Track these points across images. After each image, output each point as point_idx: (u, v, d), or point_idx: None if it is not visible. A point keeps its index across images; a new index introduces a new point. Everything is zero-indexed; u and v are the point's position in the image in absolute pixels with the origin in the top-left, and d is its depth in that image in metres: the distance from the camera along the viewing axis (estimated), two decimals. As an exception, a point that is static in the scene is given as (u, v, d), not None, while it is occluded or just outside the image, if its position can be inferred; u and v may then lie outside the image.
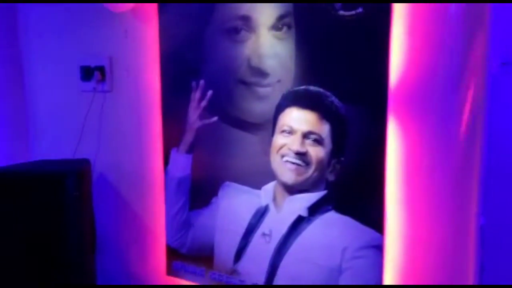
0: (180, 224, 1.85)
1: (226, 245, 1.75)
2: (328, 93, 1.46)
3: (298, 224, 1.58)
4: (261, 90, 1.58)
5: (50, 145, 2.25)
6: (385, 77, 1.38)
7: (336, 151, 1.48)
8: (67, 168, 1.79)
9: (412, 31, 1.35)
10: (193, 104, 1.74)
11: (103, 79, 1.98)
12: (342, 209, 1.50)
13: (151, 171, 1.93)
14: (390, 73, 1.38)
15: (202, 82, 1.71)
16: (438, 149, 1.36)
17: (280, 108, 1.56)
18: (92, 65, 1.99)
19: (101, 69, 1.97)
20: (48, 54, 2.16)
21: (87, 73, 2.01)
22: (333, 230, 1.51)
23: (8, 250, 1.77)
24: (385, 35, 1.37)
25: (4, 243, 1.77)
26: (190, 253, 1.85)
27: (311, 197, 1.54)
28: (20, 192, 1.75)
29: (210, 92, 1.70)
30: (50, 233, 1.76)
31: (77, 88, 2.07)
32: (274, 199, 1.62)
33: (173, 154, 1.83)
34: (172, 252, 1.90)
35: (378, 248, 1.45)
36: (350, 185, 1.48)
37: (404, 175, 1.42)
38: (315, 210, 1.54)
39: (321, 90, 1.47)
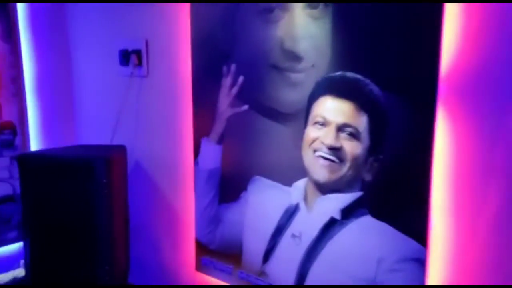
0: (209, 219, 1.75)
1: (254, 244, 1.62)
2: (367, 80, 1.27)
3: (330, 227, 1.41)
4: (294, 76, 1.42)
5: (93, 129, 2.24)
6: (435, 62, 1.17)
7: (374, 147, 1.29)
8: (98, 154, 1.74)
9: (470, 8, 1.13)
10: (224, 91, 1.61)
11: (139, 64, 1.91)
12: (379, 214, 1.31)
13: (182, 161, 1.84)
14: (441, 57, 1.17)
15: (233, 67, 1.57)
16: (497, 150, 1.13)
17: (313, 97, 1.39)
18: (130, 48, 1.93)
19: (137, 53, 1.90)
20: (92, 38, 2.14)
21: (125, 57, 1.95)
22: (368, 237, 1.33)
23: (40, 233, 1.76)
24: (437, 13, 1.15)
25: (36, 226, 1.76)
26: (218, 250, 1.74)
27: (345, 198, 1.36)
28: (52, 176, 1.73)
29: (241, 78, 1.56)
30: (80, 219, 1.73)
31: (116, 72, 2.02)
32: (305, 198, 1.46)
33: (204, 144, 1.72)
34: (201, 247, 1.80)
35: (420, 262, 1.24)
36: (389, 188, 1.28)
37: (454, 179, 1.20)
38: (349, 212, 1.36)
39: (359, 76, 1.29)
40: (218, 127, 1.66)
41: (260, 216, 1.59)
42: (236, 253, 1.68)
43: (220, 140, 1.66)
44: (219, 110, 1.64)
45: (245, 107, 1.56)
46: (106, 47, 2.05)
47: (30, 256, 1.78)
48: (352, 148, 1.32)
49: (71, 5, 2.19)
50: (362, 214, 1.34)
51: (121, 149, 1.95)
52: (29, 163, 1.74)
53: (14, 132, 2.12)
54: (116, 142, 2.05)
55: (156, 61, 1.87)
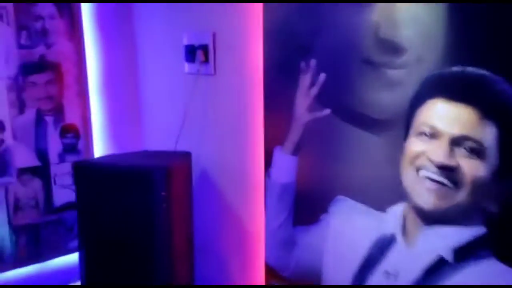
0: (282, 241, 1.49)
1: (337, 277, 1.34)
2: (497, 78, 0.93)
3: (437, 269, 1.08)
4: (392, 73, 1.11)
5: (159, 132, 2.06)
6: None
7: (504, 169, 0.95)
8: (157, 164, 1.55)
9: None
10: (301, 91, 1.34)
11: (206, 60, 1.68)
12: (508, 258, 0.97)
13: (252, 171, 1.59)
14: None
15: (313, 62, 1.29)
16: None
17: (418, 100, 1.07)
18: (196, 43, 1.71)
19: (204, 48, 1.68)
20: (158, 33, 1.96)
21: (191, 53, 1.74)
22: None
23: (96, 245, 1.62)
24: None
25: (93, 237, 1.62)
26: (292, 278, 1.48)
27: (460, 234, 1.03)
28: (109, 186, 1.57)
29: (322, 76, 1.28)
30: (138, 232, 1.56)
31: (182, 70, 1.82)
32: (404, 228, 1.15)
33: (276, 154, 1.46)
34: (272, 273, 1.54)
35: None
36: (526, 224, 0.94)
37: None
38: (464, 253, 1.03)
39: (485, 72, 0.95)
40: (294, 135, 1.39)
41: (344, 245, 1.30)
42: (314, 284, 1.41)
43: (296, 150, 1.39)
44: (295, 114, 1.37)
45: (327, 111, 1.28)
46: (171, 42, 1.86)
47: (86, 269, 1.64)
48: (472, 168, 0.99)
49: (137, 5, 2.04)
50: (483, 257, 1.00)
51: (185, 156, 1.75)
52: (85, 172, 1.59)
53: (77, 136, 1.99)
54: (181, 147, 1.86)
55: (224, 57, 1.63)
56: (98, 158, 1.78)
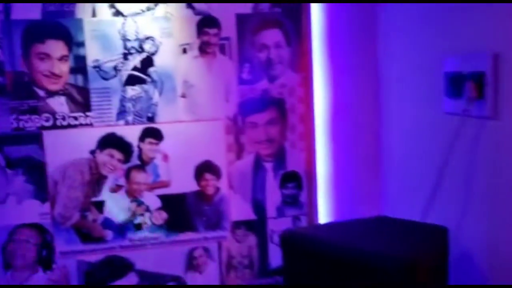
0: None
1: None
2: None
3: None
4: None
5: (403, 191, 1.55)
6: None
7: None
8: (393, 250, 1.05)
9: None
10: None
11: (479, 96, 1.10)
12: None
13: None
14: None
15: None
16: None
17: None
18: (464, 70, 1.15)
19: (477, 77, 1.10)
20: (406, 56, 1.46)
21: (455, 84, 1.19)
22: None
23: None
24: None
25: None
26: None
27: None
28: (324, 268, 1.16)
29: None
30: None
31: (439, 108, 1.28)
32: None
33: None
34: None
35: None
36: None
37: None
38: None
39: None
40: None
41: None
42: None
43: None
44: None
45: None
46: (425, 68, 1.35)
47: None
48: None
49: (381, 8, 1.58)
50: None
51: (440, 234, 1.20)
52: (295, 244, 1.21)
53: (299, 186, 1.65)
54: (433, 218, 1.31)
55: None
56: (315, 228, 1.38)
